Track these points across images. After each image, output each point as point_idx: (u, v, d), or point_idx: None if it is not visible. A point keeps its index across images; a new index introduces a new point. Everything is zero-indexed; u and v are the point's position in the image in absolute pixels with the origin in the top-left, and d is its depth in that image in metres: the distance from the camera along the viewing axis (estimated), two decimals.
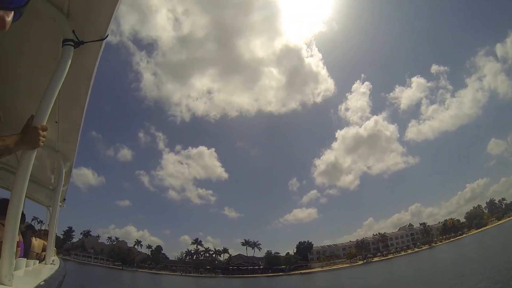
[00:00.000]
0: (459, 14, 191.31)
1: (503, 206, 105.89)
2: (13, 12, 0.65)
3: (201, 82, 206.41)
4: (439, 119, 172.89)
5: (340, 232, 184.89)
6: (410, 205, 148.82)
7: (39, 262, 4.89)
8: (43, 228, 8.33)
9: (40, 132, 1.80)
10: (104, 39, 2.53)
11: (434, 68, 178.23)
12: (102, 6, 2.35)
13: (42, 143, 1.83)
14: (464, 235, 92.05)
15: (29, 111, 2.06)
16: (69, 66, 2.22)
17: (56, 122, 3.85)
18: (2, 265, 1.73)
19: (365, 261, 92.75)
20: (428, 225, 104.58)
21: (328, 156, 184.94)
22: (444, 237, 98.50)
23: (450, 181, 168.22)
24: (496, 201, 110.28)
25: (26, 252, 5.07)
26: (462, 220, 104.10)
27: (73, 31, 2.32)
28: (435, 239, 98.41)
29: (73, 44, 2.29)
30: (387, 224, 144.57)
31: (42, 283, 2.50)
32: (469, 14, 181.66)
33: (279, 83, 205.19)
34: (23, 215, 4.56)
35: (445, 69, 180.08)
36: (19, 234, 2.95)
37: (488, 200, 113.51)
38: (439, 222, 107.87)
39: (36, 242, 5.95)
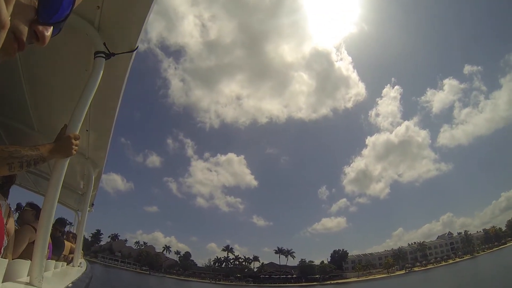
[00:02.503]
0: (490, 9, 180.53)
1: None
2: (52, 27, 0.67)
3: (230, 88, 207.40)
4: (473, 123, 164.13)
5: (369, 242, 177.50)
6: (442, 214, 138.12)
7: (66, 264, 5.04)
8: (71, 231, 8.59)
9: (73, 141, 1.83)
10: (134, 50, 2.59)
11: (467, 68, 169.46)
12: (132, 19, 2.41)
13: (75, 152, 1.85)
14: (508, 244, 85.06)
15: (62, 121, 2.12)
16: (100, 77, 2.28)
17: (87, 130, 3.99)
18: (33, 267, 1.77)
19: (407, 271, 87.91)
20: (470, 233, 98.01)
21: (358, 164, 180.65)
22: (486, 246, 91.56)
23: (485, 189, 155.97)
24: None
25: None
26: (503, 228, 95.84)
27: (104, 44, 2.39)
28: (477, 248, 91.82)
29: (104, 56, 2.36)
30: (417, 234, 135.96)
31: (70, 285, 2.57)
32: (500, 9, 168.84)
33: (310, 88, 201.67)
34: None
35: (479, 69, 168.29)
36: None
37: None
38: (477, 231, 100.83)
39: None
